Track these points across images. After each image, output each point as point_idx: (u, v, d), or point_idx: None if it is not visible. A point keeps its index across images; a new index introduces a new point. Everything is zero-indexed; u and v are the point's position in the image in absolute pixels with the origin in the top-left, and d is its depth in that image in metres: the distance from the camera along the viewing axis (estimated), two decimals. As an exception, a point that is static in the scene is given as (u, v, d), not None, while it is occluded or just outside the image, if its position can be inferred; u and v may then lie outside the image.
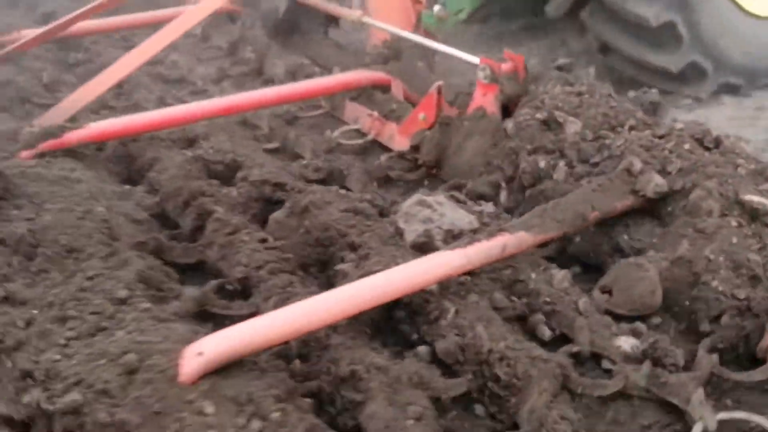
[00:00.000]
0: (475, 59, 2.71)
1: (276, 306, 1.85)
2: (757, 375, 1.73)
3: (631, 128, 2.37)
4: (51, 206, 2.09)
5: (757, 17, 3.61)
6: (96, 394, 1.48)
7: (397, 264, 1.90)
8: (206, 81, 3.60)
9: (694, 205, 2.05)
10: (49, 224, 1.98)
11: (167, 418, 1.45)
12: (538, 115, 2.48)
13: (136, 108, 3.20)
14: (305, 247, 2.16)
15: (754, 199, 2.00)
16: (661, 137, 2.26)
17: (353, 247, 2.08)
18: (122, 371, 1.52)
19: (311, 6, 3.84)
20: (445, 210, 2.05)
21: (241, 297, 2.03)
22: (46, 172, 2.27)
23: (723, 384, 1.74)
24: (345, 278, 1.91)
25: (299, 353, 1.77)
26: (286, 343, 1.72)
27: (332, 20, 4.06)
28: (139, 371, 1.52)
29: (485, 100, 2.64)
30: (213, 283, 2.01)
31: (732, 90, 3.77)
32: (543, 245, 2.10)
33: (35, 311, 1.68)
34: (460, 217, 2.05)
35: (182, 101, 3.29)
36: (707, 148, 2.19)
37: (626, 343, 1.81)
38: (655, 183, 2.09)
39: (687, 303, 1.92)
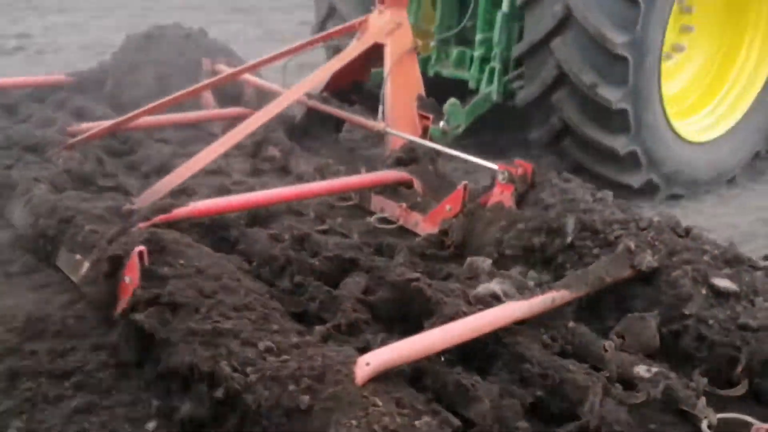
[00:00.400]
0: (492, 165, 3.48)
1: (383, 342, 2.47)
2: (737, 391, 2.47)
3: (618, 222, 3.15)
4: (197, 263, 2.65)
5: (690, 143, 4.68)
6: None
7: (463, 311, 2.58)
8: (243, 174, 4.21)
9: (675, 281, 2.82)
10: (210, 275, 2.55)
11: (355, 406, 2.03)
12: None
13: (186, 192, 3.76)
14: (388, 301, 2.79)
15: (721, 284, 2.77)
16: (643, 229, 3.05)
17: (428, 300, 2.73)
18: (316, 376, 2.10)
19: (327, 114, 4.57)
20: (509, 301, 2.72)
21: (347, 335, 2.62)
22: (174, 237, 2.82)
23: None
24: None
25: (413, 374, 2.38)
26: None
27: (340, 126, 4.81)
28: (326, 376, 2.10)
29: (503, 196, 3.39)
30: (328, 325, 2.61)
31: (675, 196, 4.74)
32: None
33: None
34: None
35: (227, 190, 3.90)
36: (680, 236, 2.99)
37: (642, 370, 2.52)
38: (648, 260, 2.86)
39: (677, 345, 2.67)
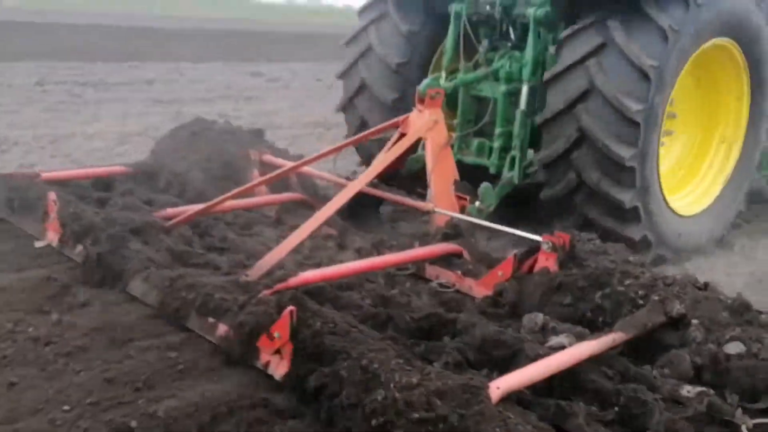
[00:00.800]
0: (536, 236, 4.24)
1: (487, 376, 3.15)
2: (760, 405, 3.21)
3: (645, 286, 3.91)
4: (329, 319, 3.29)
5: (681, 216, 5.59)
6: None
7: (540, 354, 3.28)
8: (309, 250, 4.87)
9: (693, 332, 3.57)
10: (343, 328, 3.20)
11: (495, 419, 2.69)
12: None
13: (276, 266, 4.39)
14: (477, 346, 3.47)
15: (732, 351, 3.52)
16: (669, 284, 3.83)
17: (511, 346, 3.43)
18: (461, 396, 2.75)
19: (369, 196, 5.30)
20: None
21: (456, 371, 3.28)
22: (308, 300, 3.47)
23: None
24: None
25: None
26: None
27: (379, 207, 5.54)
28: (469, 397, 2.76)
29: (548, 262, 4.13)
30: (440, 363, 3.27)
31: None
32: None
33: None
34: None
35: (303, 263, 4.56)
36: (700, 289, 3.77)
37: (685, 390, 3.24)
38: (677, 308, 3.62)
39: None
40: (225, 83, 15.75)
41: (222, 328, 3.52)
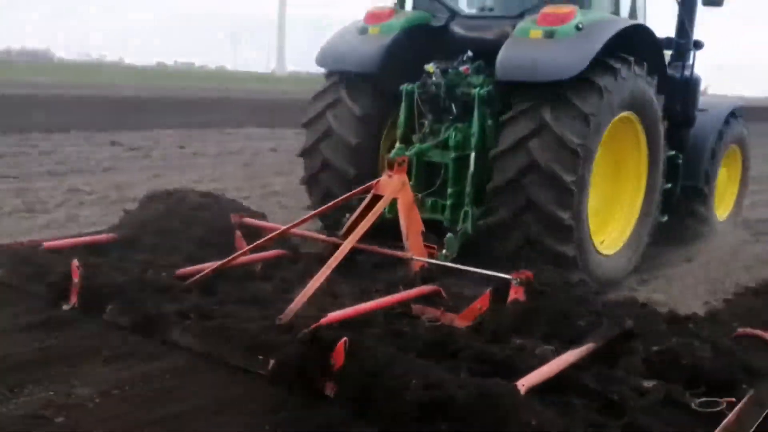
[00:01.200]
0: (507, 275, 5.20)
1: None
2: (700, 391, 4.25)
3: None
4: (371, 347, 4.09)
5: (604, 255, 6.76)
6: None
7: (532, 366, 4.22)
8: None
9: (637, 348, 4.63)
10: (382, 350, 4.01)
11: (528, 408, 3.58)
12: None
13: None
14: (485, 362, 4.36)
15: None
16: (617, 306, 4.87)
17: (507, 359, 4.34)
18: (499, 394, 3.62)
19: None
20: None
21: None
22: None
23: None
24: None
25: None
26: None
27: (355, 258, 6.36)
28: (506, 393, 3.63)
29: (518, 294, 5.10)
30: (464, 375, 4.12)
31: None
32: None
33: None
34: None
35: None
36: (641, 307, 4.83)
37: (645, 383, 4.25)
38: (628, 323, 4.65)
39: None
40: (80, 154, 14.81)
41: (274, 363, 4.23)
